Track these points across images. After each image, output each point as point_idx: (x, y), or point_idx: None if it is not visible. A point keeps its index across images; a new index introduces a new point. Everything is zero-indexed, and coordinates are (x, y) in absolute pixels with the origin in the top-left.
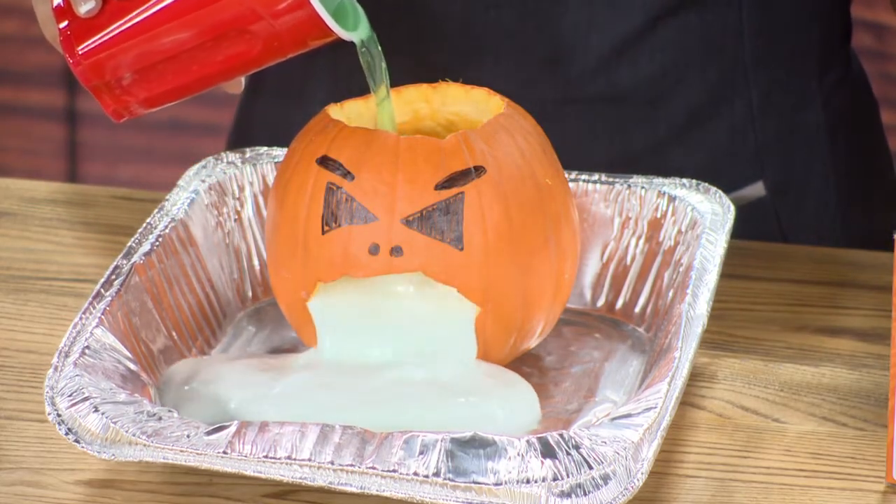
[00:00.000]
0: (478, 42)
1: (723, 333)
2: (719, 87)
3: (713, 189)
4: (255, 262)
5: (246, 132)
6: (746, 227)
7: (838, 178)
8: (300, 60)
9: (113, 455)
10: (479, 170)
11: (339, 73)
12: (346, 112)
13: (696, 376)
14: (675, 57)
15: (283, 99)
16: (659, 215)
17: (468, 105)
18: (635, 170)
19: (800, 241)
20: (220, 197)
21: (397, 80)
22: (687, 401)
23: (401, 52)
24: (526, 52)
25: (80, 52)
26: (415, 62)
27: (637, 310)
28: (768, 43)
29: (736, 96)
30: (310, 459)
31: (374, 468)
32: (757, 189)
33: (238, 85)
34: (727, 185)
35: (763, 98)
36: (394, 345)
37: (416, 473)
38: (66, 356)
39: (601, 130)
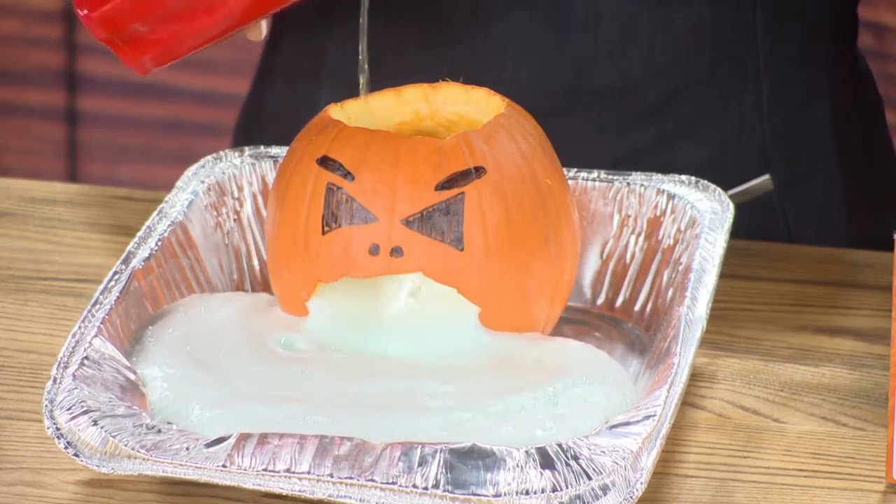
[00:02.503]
0: (486, 33)
1: (723, 333)
2: (730, 82)
3: (712, 187)
4: (255, 262)
5: (253, 127)
6: (752, 222)
7: (844, 174)
8: (309, 56)
9: (112, 469)
10: (479, 170)
11: (348, 69)
12: (346, 112)
13: (696, 376)
14: (688, 50)
15: (292, 94)
16: (658, 213)
17: (468, 105)
18: (642, 163)
19: (805, 237)
20: (219, 197)
21: (405, 74)
22: (687, 401)
23: (409, 46)
24: (534, 43)
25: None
26: (422, 55)
27: (637, 308)
28: (780, 39)
29: (746, 91)
30: (309, 472)
31: (373, 480)
32: (765, 182)
33: (258, 31)
34: (734, 180)
35: (772, 94)
36: (394, 346)
37: (415, 485)
38: (65, 367)
39: (610, 123)
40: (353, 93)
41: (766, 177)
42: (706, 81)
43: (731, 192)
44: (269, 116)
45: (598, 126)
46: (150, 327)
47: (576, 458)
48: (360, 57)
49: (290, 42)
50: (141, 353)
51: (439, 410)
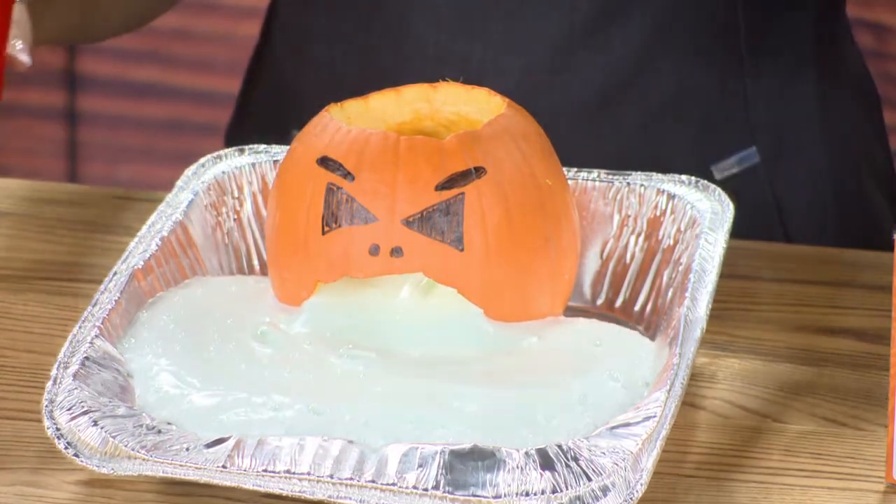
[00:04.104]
0: (466, 13)
1: (723, 333)
2: (712, 54)
3: (712, 187)
4: (255, 262)
5: (243, 130)
6: (740, 203)
7: (832, 147)
8: (297, 56)
9: (112, 469)
10: (479, 170)
11: (336, 72)
12: (346, 112)
13: (696, 376)
14: (667, 24)
15: (281, 98)
16: (658, 213)
17: (468, 105)
18: (626, 139)
19: (794, 208)
20: (219, 197)
21: (393, 71)
22: (687, 401)
23: (394, 39)
24: (512, 19)
25: None
26: (407, 47)
27: (637, 308)
28: (762, 11)
29: (729, 63)
30: (308, 473)
31: (373, 482)
32: (750, 154)
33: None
34: (719, 154)
35: (756, 64)
36: (395, 346)
37: (415, 487)
38: (66, 367)
39: (592, 100)
40: (342, 91)
41: (752, 149)
42: (687, 56)
43: (716, 165)
44: (259, 121)
45: (581, 104)
46: (146, 312)
47: (576, 460)
48: None
49: (278, 42)
50: (133, 340)
51: (470, 415)
